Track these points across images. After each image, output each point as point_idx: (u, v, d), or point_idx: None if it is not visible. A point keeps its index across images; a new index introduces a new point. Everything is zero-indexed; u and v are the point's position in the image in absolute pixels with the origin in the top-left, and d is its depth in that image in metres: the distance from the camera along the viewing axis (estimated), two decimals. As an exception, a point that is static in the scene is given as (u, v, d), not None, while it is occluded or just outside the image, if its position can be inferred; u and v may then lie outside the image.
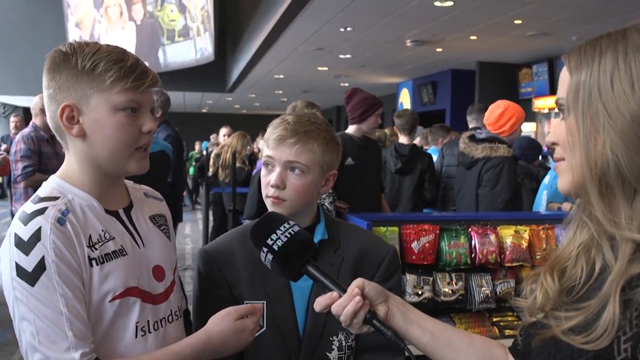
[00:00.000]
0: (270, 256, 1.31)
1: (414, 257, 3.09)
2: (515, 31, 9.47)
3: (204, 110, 29.84)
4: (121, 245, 1.42)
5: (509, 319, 3.20)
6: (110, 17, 18.14)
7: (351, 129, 4.45)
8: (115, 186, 1.51)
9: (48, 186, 1.45)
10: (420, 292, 3.07)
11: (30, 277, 1.28)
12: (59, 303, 1.28)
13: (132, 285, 1.41)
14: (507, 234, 3.19)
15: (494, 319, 3.18)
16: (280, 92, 20.13)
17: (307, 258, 1.30)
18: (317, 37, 10.22)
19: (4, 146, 7.47)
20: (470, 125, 5.39)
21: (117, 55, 1.39)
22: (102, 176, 1.45)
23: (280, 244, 1.30)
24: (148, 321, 1.44)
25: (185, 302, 1.71)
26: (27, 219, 1.33)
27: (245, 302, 1.63)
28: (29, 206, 1.37)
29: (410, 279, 3.08)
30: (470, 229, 3.18)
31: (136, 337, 1.41)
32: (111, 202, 1.48)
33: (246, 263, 1.65)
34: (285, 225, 1.33)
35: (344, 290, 1.24)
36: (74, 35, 18.03)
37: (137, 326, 1.42)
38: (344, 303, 1.21)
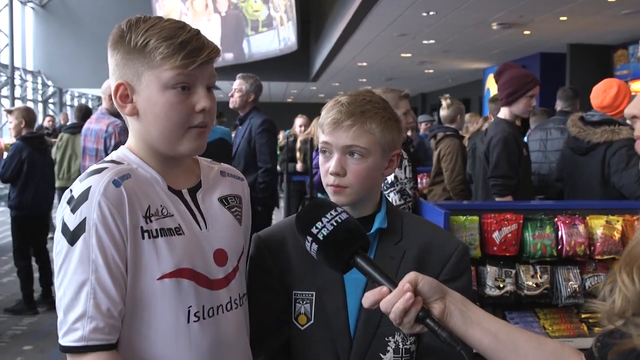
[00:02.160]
0: (315, 246, 1.23)
1: (495, 248, 2.94)
2: (609, 10, 8.98)
3: (289, 100, 30.09)
4: (179, 224, 1.37)
5: (600, 316, 2.99)
6: (196, 9, 18.53)
7: (503, 113, 3.92)
8: (177, 166, 1.45)
9: (118, 153, 1.43)
10: (501, 285, 2.91)
11: (70, 235, 1.27)
12: (89, 268, 1.26)
13: (184, 266, 1.34)
14: (598, 224, 2.98)
15: (583, 316, 2.98)
16: (364, 80, 20.00)
17: (356, 248, 1.20)
18: (399, 22, 10.04)
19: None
20: (558, 108, 5.08)
21: (169, 32, 1.33)
22: (159, 156, 1.41)
23: (325, 233, 1.21)
24: (203, 306, 1.37)
25: None
26: (84, 177, 1.32)
27: (294, 292, 1.55)
28: (93, 166, 1.37)
29: (491, 271, 2.93)
30: (556, 219, 2.99)
31: (188, 321, 1.35)
32: (175, 180, 1.43)
33: (298, 251, 1.54)
34: (332, 212, 1.24)
35: (396, 285, 1.13)
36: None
37: (189, 310, 1.35)
38: (393, 299, 1.10)
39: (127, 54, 1.35)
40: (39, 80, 19.48)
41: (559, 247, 2.95)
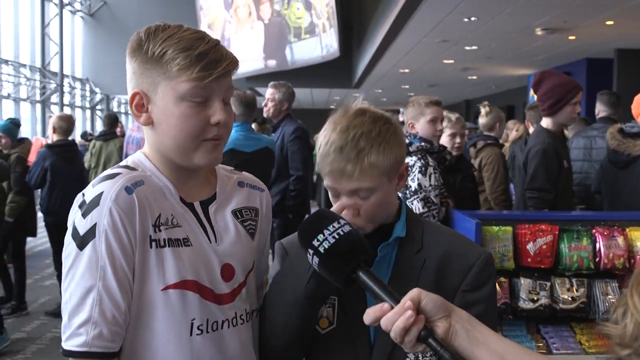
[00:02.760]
0: (316, 259, 1.19)
1: (529, 260, 2.87)
2: (658, 13, 8.70)
3: (332, 107, 30.05)
4: (187, 236, 1.35)
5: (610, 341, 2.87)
6: (240, 17, 18.67)
7: (546, 122, 3.75)
8: (191, 178, 1.42)
9: (134, 157, 1.42)
10: (535, 298, 2.83)
11: (80, 240, 1.27)
12: (97, 274, 1.25)
13: (190, 278, 1.33)
14: (638, 236, 2.88)
15: (621, 331, 2.87)
16: (407, 86, 19.89)
17: (358, 263, 1.16)
18: (440, 28, 9.94)
19: None
20: (601, 115, 4.90)
21: (187, 42, 1.31)
22: (174, 166, 1.39)
23: (327, 246, 1.17)
24: (207, 320, 1.35)
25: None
26: (98, 181, 1.32)
27: None
28: (106, 170, 1.36)
29: (524, 283, 2.85)
30: (594, 230, 2.90)
31: (191, 334, 1.33)
32: (188, 192, 1.41)
33: None
34: (335, 224, 1.20)
35: (399, 302, 1.08)
36: (207, 36, 18.73)
37: (192, 323, 1.33)
38: (394, 317, 1.06)
39: (144, 63, 1.34)
40: (87, 88, 19.92)
41: (597, 259, 2.86)
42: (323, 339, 1.49)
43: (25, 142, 6.21)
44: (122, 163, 1.41)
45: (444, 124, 4.01)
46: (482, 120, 5.47)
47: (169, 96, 1.32)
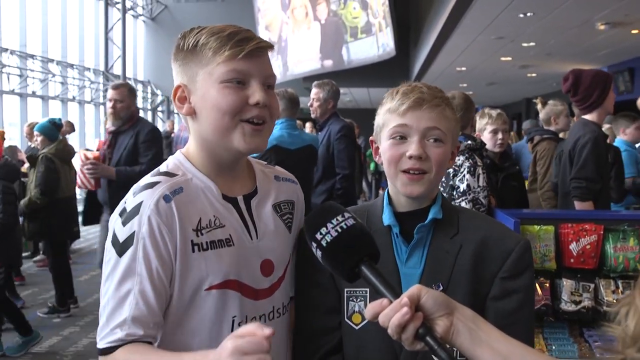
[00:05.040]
0: (319, 252, 1.17)
1: (572, 260, 2.78)
2: None
3: (389, 106, 29.92)
4: (229, 235, 1.38)
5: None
6: (297, 18, 18.78)
7: (590, 116, 3.75)
8: (232, 171, 1.45)
9: (173, 160, 1.45)
10: (578, 300, 2.75)
11: (119, 247, 1.31)
12: (134, 281, 1.29)
13: (232, 277, 1.37)
14: (689, 237, 2.75)
15: (670, 335, 2.75)
16: (465, 85, 19.58)
17: (361, 257, 1.14)
18: (495, 25, 9.73)
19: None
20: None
21: (218, 28, 1.37)
22: (215, 159, 1.42)
23: (329, 239, 1.16)
24: (246, 316, 1.39)
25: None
26: (138, 190, 1.35)
27: (347, 289, 1.49)
28: (146, 178, 1.39)
29: (567, 284, 2.77)
30: (642, 230, 2.78)
31: (232, 331, 1.33)
32: (231, 187, 1.44)
33: None
34: (339, 217, 1.18)
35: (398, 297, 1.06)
36: (263, 37, 18.92)
37: (234, 320, 1.37)
38: (390, 314, 1.04)
39: (183, 59, 1.39)
40: (149, 90, 20.39)
41: (645, 261, 2.75)
42: (357, 333, 1.48)
43: (58, 142, 6.05)
44: (162, 168, 1.43)
45: (485, 120, 3.95)
46: (540, 115, 5.41)
47: (207, 82, 1.35)
